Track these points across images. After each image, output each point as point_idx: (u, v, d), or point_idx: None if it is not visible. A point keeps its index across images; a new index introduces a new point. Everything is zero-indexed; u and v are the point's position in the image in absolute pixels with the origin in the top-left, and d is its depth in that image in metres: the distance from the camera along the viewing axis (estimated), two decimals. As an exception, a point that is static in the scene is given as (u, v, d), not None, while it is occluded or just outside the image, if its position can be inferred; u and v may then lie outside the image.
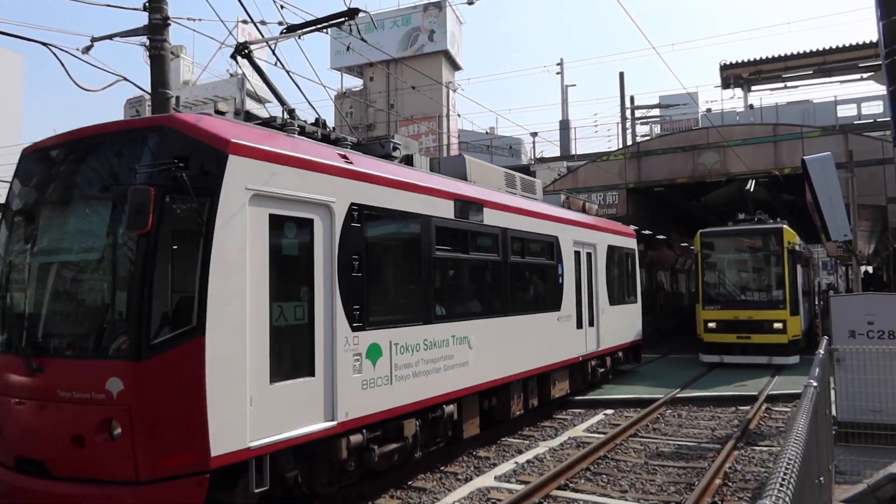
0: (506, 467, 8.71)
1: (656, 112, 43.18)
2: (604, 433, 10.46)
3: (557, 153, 38.38)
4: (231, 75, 65.81)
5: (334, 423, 6.53)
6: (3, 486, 5.60)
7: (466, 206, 9.17)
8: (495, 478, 8.29)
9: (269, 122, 7.20)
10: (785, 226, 17.29)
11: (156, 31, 10.82)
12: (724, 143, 23.49)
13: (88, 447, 5.19)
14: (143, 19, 10.94)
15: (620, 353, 15.48)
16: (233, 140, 5.65)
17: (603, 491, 7.78)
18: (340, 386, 6.61)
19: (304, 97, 15.50)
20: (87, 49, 11.24)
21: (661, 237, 28.37)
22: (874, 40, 29.86)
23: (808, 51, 35.93)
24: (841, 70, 37.90)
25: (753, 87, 40.15)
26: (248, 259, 5.70)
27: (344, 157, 7.16)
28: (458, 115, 60.53)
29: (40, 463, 5.43)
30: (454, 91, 60.09)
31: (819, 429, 4.47)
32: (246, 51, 7.87)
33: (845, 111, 34.81)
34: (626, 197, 25.98)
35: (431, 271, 8.36)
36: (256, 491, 5.71)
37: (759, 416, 11.42)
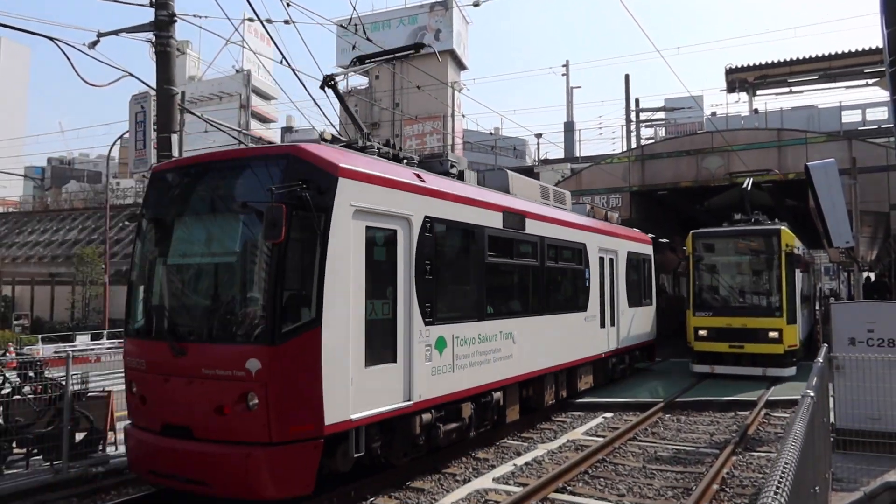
0: (504, 469, 8.73)
1: (661, 115, 43.14)
2: (602, 436, 10.47)
3: (562, 155, 38.39)
4: (237, 71, 65.83)
5: (411, 402, 7.70)
6: (150, 447, 6.78)
7: (512, 217, 10.36)
8: (493, 479, 8.30)
9: (351, 145, 8.20)
10: (783, 227, 15.82)
11: (162, 27, 10.85)
12: (728, 148, 23.47)
13: (229, 415, 6.31)
14: (149, 15, 10.99)
15: (637, 352, 16.76)
16: (341, 165, 6.85)
17: (601, 494, 7.80)
18: (416, 371, 7.79)
19: (310, 96, 15.55)
20: (93, 44, 11.27)
21: (664, 241, 28.33)
22: (880, 46, 29.86)
23: (813, 56, 35.93)
24: (846, 75, 37.88)
25: (759, 92, 40.12)
26: (351, 264, 6.90)
27: (418, 175, 8.35)
28: (463, 116, 60.48)
29: (185, 428, 6.55)
30: (459, 91, 60.02)
31: (816, 436, 4.49)
32: (332, 81, 8.87)
33: (850, 116, 34.76)
34: (629, 200, 25.97)
35: (484, 274, 9.56)
36: (354, 456, 6.93)
37: (757, 421, 11.42)
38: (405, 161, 8.93)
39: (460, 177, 9.96)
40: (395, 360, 7.54)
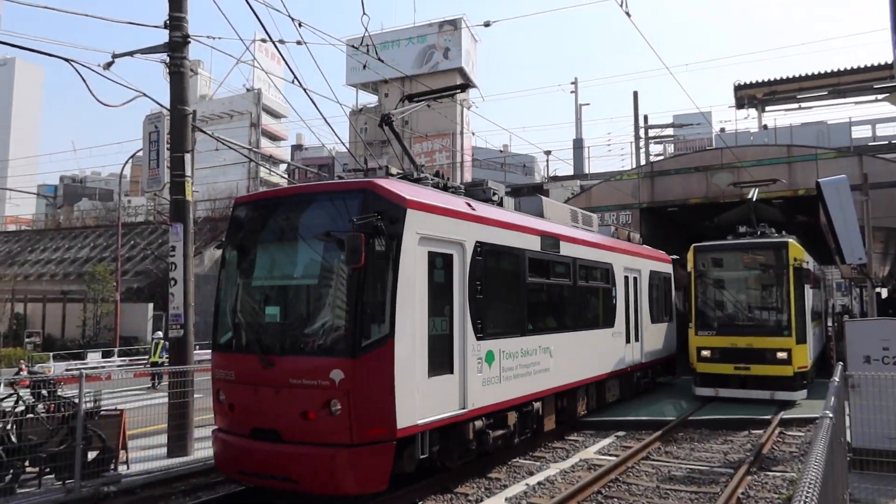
0: (516, 489, 8.66)
1: (670, 131, 43.16)
2: (615, 456, 10.38)
3: (571, 172, 38.42)
4: (247, 90, 66.42)
5: (465, 410, 8.37)
6: (239, 449, 7.49)
7: (549, 240, 11.16)
8: (506, 499, 8.23)
9: (406, 177, 8.98)
10: (791, 240, 14.90)
11: (176, 48, 10.98)
12: (738, 164, 23.45)
13: (314, 420, 7.03)
14: (164, 36, 11.12)
15: (659, 366, 17.27)
16: (409, 198, 7.63)
17: (614, 515, 7.71)
18: (469, 382, 8.47)
19: (321, 114, 15.67)
20: (108, 65, 11.40)
21: (674, 257, 28.25)
22: (889, 62, 29.79)
23: (822, 72, 35.88)
24: (856, 91, 37.82)
25: (768, 108, 40.09)
26: (417, 285, 7.63)
27: (469, 204, 9.14)
28: (473, 134, 60.69)
29: (273, 431, 7.23)
30: (468, 108, 60.29)
31: (834, 457, 4.44)
32: (389, 120, 9.69)
33: (860, 132, 34.65)
34: (639, 216, 25.94)
35: (525, 294, 10.36)
36: (420, 458, 7.66)
37: (772, 440, 11.29)
38: (451, 190, 9.67)
39: (500, 203, 10.65)
40: (452, 372, 8.24)
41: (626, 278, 14.89)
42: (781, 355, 13.83)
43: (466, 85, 10.21)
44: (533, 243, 10.55)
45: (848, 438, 7.96)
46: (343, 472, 6.88)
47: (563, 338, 11.40)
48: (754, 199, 16.78)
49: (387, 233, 7.28)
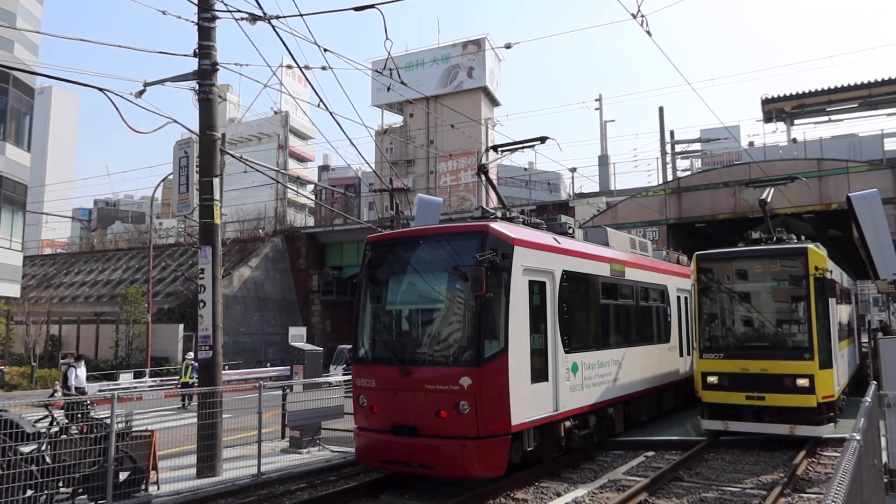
0: (543, 510, 8.58)
1: (697, 146, 42.82)
2: (645, 476, 10.23)
3: (596, 188, 38.25)
4: (275, 112, 67.56)
5: (558, 412, 10.02)
6: (381, 443, 9.30)
7: (616, 266, 12.76)
8: (533, 521, 8.17)
9: (500, 217, 10.74)
10: (812, 246, 12.59)
11: (205, 76, 11.24)
12: (766, 179, 23.16)
13: (446, 418, 8.68)
14: (193, 65, 11.40)
15: None
16: (515, 237, 9.44)
17: (643, 537, 7.59)
18: (560, 388, 10.13)
19: (346, 136, 15.90)
20: (139, 93, 11.70)
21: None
22: (922, 73, 29.28)
23: (852, 84, 35.37)
24: (887, 103, 37.19)
25: (796, 121, 39.61)
26: (522, 308, 9.33)
27: (555, 238, 10.90)
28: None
29: (412, 427, 8.95)
30: (493, 128, 60.49)
31: (865, 479, 4.34)
32: (485, 169, 11.71)
33: (892, 144, 34.01)
34: (666, 233, 25.74)
35: (599, 313, 12.02)
36: (527, 450, 9.37)
37: (807, 461, 11.03)
38: (535, 226, 11.27)
39: (572, 235, 12.30)
40: (547, 380, 9.88)
41: (678, 298, 16.29)
42: (802, 382, 11.74)
43: (545, 137, 11.96)
44: (604, 270, 12.21)
45: (885, 460, 7.77)
46: (471, 459, 8.51)
47: (629, 352, 12.96)
48: (768, 199, 14.78)
49: (500, 266, 8.99)
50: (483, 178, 11.42)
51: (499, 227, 9.42)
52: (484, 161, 11.50)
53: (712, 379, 12.53)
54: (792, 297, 12.64)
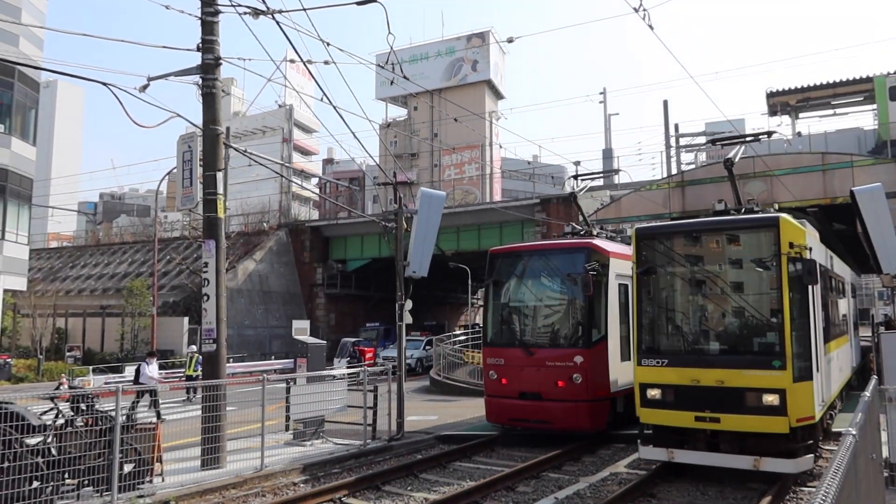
0: (545, 503, 8.63)
1: (701, 139, 42.66)
2: (646, 470, 10.27)
3: (600, 182, 38.15)
4: (279, 106, 67.52)
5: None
6: (510, 406, 12.41)
7: None
8: (534, 514, 8.22)
9: (586, 234, 13.99)
10: (785, 216, 9.30)
11: (208, 70, 11.25)
12: (771, 173, 23.10)
13: (563, 386, 11.78)
14: (196, 59, 11.41)
15: None
16: (609, 250, 12.50)
17: (644, 530, 7.63)
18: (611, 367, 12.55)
19: (350, 130, 15.90)
20: (143, 88, 11.68)
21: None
22: (928, 66, 29.08)
23: (857, 77, 35.18)
24: (892, 96, 36.91)
25: (801, 115, 39.42)
26: (615, 305, 12.36)
27: (627, 247, 12.44)
28: (501, 147, 60.72)
29: (536, 393, 12.05)
30: (497, 121, 60.36)
31: (863, 474, 4.37)
32: (574, 197, 15.47)
33: (899, 138, 33.76)
34: (669, 226, 25.60)
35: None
36: (619, 411, 12.29)
37: None
38: (611, 237, 14.27)
39: (628, 243, 14.72)
40: (630, 360, 11.14)
41: None
42: (770, 399, 8.61)
43: (616, 171, 14.90)
44: None
45: (885, 454, 7.78)
46: (583, 416, 11.67)
47: None
48: (735, 159, 11.76)
49: (601, 273, 12.00)
50: (574, 205, 15.15)
51: (599, 243, 12.61)
52: (571, 189, 14.22)
53: (653, 393, 9.45)
54: (758, 283, 9.51)
